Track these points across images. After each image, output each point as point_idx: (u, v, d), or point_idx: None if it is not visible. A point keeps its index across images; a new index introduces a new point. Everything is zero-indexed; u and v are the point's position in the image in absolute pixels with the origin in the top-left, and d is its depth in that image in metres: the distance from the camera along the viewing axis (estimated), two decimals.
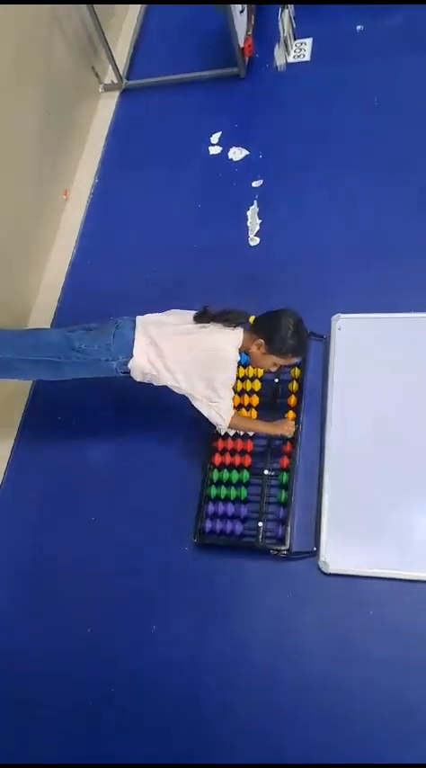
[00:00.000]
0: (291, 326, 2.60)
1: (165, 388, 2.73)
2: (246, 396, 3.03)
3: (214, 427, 2.76)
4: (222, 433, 2.83)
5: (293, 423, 2.84)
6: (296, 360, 2.78)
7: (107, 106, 4.54)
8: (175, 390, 2.71)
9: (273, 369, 2.76)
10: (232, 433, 2.93)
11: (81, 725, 2.62)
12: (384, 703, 2.39)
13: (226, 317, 2.66)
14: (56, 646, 2.78)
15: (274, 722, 2.46)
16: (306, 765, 2.37)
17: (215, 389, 2.63)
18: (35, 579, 2.95)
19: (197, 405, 2.69)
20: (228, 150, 3.99)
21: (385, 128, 3.75)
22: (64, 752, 2.58)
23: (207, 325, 2.66)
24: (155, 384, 2.77)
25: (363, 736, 2.36)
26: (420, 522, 2.63)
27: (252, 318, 2.73)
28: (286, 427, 2.82)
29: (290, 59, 4.24)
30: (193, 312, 2.75)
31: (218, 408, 2.65)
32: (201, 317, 2.67)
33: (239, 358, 2.67)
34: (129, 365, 2.70)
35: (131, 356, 2.68)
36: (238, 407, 3.00)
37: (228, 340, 2.63)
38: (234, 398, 2.71)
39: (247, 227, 3.64)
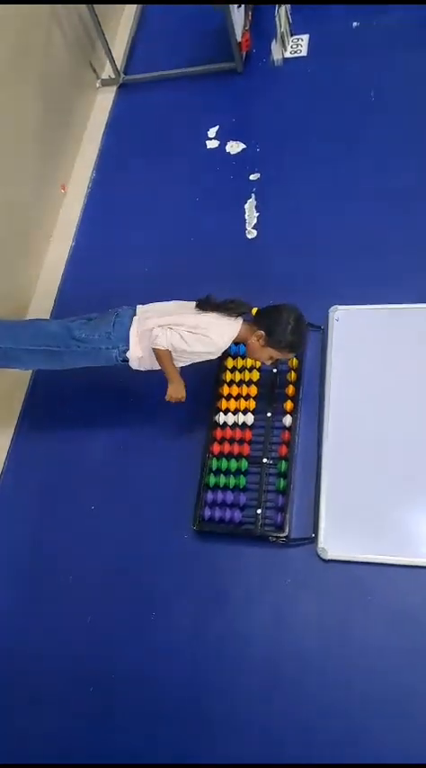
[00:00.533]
0: (292, 322, 2.63)
1: (162, 378, 2.76)
2: (245, 386, 3.05)
3: (213, 413, 2.87)
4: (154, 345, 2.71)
5: (184, 393, 2.80)
6: (292, 355, 2.83)
7: (105, 101, 4.56)
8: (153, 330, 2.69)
9: (268, 362, 2.80)
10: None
11: (81, 712, 2.63)
12: (383, 688, 2.41)
13: (228, 307, 2.68)
14: (56, 635, 2.80)
15: (274, 707, 2.48)
16: (307, 765, 2.38)
17: (174, 333, 2.62)
18: (35, 569, 2.97)
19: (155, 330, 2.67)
20: (226, 144, 4.02)
21: (381, 122, 3.78)
22: (64, 740, 2.60)
23: (208, 312, 2.68)
24: (152, 369, 2.80)
25: (363, 721, 2.38)
26: (417, 509, 2.66)
27: (254, 310, 2.76)
28: (178, 390, 2.77)
29: (287, 55, 4.27)
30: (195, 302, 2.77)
31: (159, 337, 2.63)
32: (204, 305, 2.69)
33: (226, 347, 2.71)
34: (128, 354, 2.73)
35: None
36: (236, 398, 3.03)
37: (223, 327, 2.67)
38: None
39: (245, 219, 3.66)
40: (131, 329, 2.72)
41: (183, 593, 2.76)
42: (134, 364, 2.78)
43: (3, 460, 3.29)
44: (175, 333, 2.63)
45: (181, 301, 2.84)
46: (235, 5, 3.94)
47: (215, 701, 2.55)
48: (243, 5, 4.12)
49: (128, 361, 2.76)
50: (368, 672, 2.46)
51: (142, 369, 2.81)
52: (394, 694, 2.40)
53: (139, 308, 2.81)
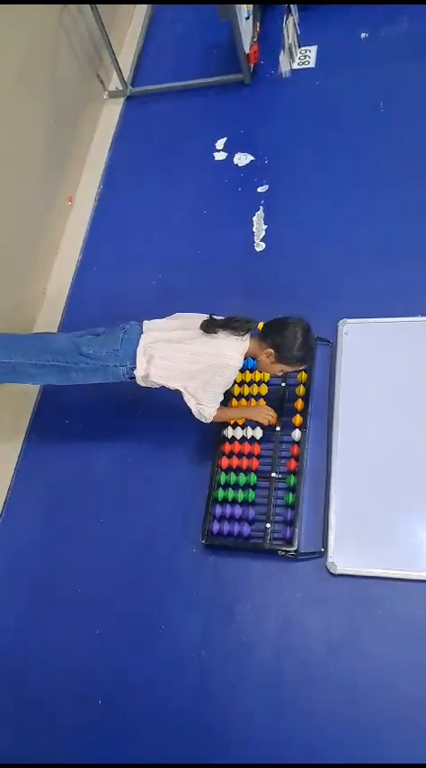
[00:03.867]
0: (299, 336, 2.63)
1: (171, 391, 2.77)
2: (253, 399, 3.05)
3: (222, 427, 2.92)
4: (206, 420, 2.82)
5: (270, 410, 2.91)
6: (303, 367, 2.84)
7: (112, 113, 4.57)
8: (168, 386, 2.77)
9: (280, 374, 2.83)
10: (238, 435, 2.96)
11: (90, 724, 2.63)
12: (393, 702, 2.41)
13: (233, 326, 2.67)
14: (64, 647, 2.80)
15: (282, 722, 2.47)
16: (307, 765, 2.38)
17: (206, 391, 2.69)
18: (44, 580, 2.97)
19: (186, 399, 2.75)
20: (233, 156, 4.02)
21: (391, 134, 3.78)
22: (73, 751, 2.60)
23: (214, 334, 2.68)
24: (156, 387, 2.81)
25: (372, 736, 2.38)
26: None
27: (260, 325, 2.76)
28: (263, 413, 2.89)
29: (295, 66, 4.28)
30: (199, 315, 2.77)
31: (203, 410, 2.72)
32: (208, 328, 2.68)
33: (241, 365, 2.71)
34: (135, 371, 2.74)
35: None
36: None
37: (234, 347, 2.66)
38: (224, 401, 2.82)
39: (253, 232, 3.67)
40: (139, 349, 2.73)
41: (192, 606, 2.75)
42: (141, 382, 2.79)
43: (12, 473, 3.29)
44: (203, 396, 2.70)
45: (184, 314, 2.85)
46: (243, 16, 3.94)
47: (223, 713, 2.54)
48: (250, 17, 4.13)
49: (135, 378, 2.77)
50: (377, 685, 2.45)
51: (148, 386, 2.81)
52: (404, 708, 2.40)
53: (146, 324, 2.82)
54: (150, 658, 2.69)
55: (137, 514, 3.00)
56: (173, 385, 2.75)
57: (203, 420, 2.77)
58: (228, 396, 3.06)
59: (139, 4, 5.05)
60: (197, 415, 2.76)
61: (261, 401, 3.02)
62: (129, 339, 2.75)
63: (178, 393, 2.77)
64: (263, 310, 2.85)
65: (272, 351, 2.64)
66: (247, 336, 2.69)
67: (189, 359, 2.68)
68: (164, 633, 2.72)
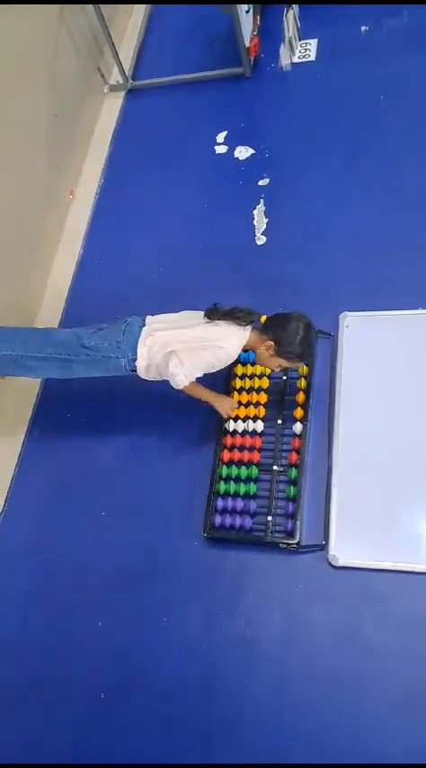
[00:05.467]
0: (301, 332, 2.64)
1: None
2: (254, 393, 3.06)
3: (223, 422, 2.92)
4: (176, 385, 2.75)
5: (233, 403, 2.92)
6: (301, 364, 2.85)
7: (112, 106, 4.57)
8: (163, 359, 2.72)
9: (278, 369, 2.83)
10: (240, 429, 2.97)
11: (93, 718, 2.64)
12: (395, 694, 2.42)
13: (236, 315, 2.68)
14: (67, 640, 2.81)
15: (284, 714, 2.48)
16: (308, 766, 2.39)
17: (190, 359, 2.64)
18: (46, 573, 2.98)
19: (170, 360, 2.66)
20: (234, 149, 4.02)
21: (391, 126, 3.77)
22: (76, 745, 2.61)
23: (217, 322, 2.69)
24: (158, 379, 2.81)
25: (375, 728, 2.38)
26: None
27: (263, 318, 2.76)
28: (227, 404, 2.89)
29: (295, 59, 4.27)
30: (202, 312, 2.78)
31: (177, 374, 2.65)
32: (212, 314, 2.70)
33: (237, 355, 2.72)
34: (137, 363, 2.74)
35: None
36: (246, 405, 3.03)
37: (234, 336, 2.67)
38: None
39: (254, 225, 3.66)
40: (140, 339, 2.73)
41: (194, 599, 2.76)
42: (142, 374, 2.79)
43: (14, 466, 3.30)
44: (186, 361, 2.64)
45: (188, 311, 2.85)
46: (243, 9, 3.94)
47: (226, 705, 2.55)
48: (251, 10, 4.12)
49: (136, 370, 2.77)
50: (379, 678, 2.46)
51: (150, 378, 2.82)
52: (407, 700, 2.40)
53: (148, 318, 2.82)
54: (152, 651, 2.70)
55: (139, 508, 3.01)
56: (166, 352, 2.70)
57: (173, 385, 2.70)
58: (230, 389, 3.07)
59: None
60: (170, 375, 2.67)
61: (263, 395, 3.02)
62: (131, 331, 2.76)
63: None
64: (264, 303, 2.87)
65: (272, 344, 2.65)
66: (248, 327, 2.69)
67: (188, 345, 2.68)
68: (167, 626, 2.73)
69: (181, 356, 2.64)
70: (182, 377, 2.66)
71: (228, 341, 2.64)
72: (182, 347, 2.67)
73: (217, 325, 2.68)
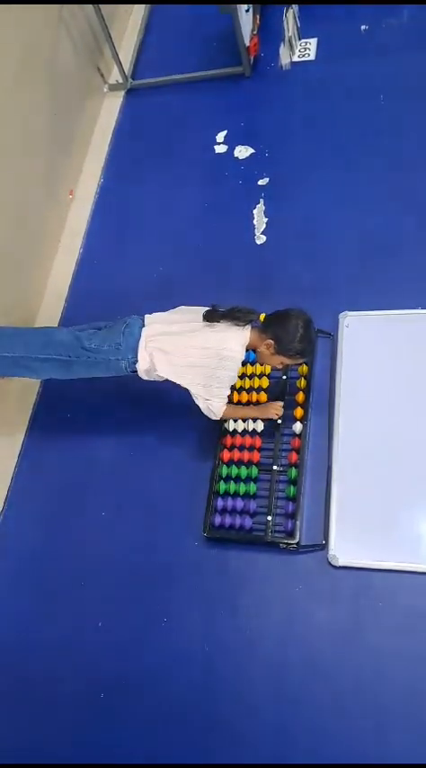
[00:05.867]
0: (301, 329, 2.63)
1: (174, 385, 2.76)
2: (254, 393, 3.06)
3: (223, 420, 2.89)
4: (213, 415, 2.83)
5: (280, 405, 2.91)
6: (302, 360, 2.84)
7: (112, 106, 4.56)
8: (175, 382, 2.76)
9: (280, 367, 2.83)
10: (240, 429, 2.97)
11: (93, 717, 2.64)
12: (395, 694, 2.42)
13: (235, 316, 2.67)
14: (67, 640, 2.81)
15: (286, 714, 2.48)
16: (308, 766, 2.39)
17: (212, 387, 2.69)
18: (46, 574, 2.98)
19: (194, 397, 2.75)
20: (234, 149, 4.02)
21: (391, 126, 3.77)
22: (76, 745, 2.61)
23: (216, 323, 2.68)
24: (159, 381, 2.81)
25: (375, 728, 2.39)
26: None
27: (262, 316, 2.76)
28: (272, 410, 2.90)
29: (295, 59, 4.26)
30: (202, 308, 2.76)
31: (212, 405, 2.72)
32: (210, 317, 2.69)
33: (244, 357, 2.71)
34: (137, 365, 2.74)
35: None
36: (246, 404, 3.03)
37: (235, 338, 2.66)
38: (230, 396, 2.80)
39: (253, 225, 3.66)
40: (140, 342, 2.73)
41: (194, 599, 2.76)
42: (143, 375, 2.79)
43: (13, 467, 3.30)
44: (211, 392, 2.70)
45: (186, 307, 2.85)
46: (243, 9, 3.94)
47: (226, 705, 2.55)
48: (251, 9, 4.12)
49: (136, 371, 2.77)
50: (379, 677, 2.46)
51: (151, 379, 2.81)
52: (407, 700, 2.41)
53: (147, 317, 2.82)
54: (152, 651, 2.70)
55: (139, 508, 3.01)
56: (180, 382, 2.74)
57: (212, 417, 2.77)
58: (230, 389, 3.05)
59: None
60: (206, 412, 2.77)
61: (263, 395, 3.02)
62: (131, 333, 2.75)
63: (176, 383, 2.76)
64: (264, 303, 2.86)
65: (273, 342, 2.64)
66: (248, 327, 2.69)
67: (190, 352, 2.68)
68: (167, 626, 2.73)
69: (204, 393, 2.71)
70: (217, 407, 2.73)
71: (231, 345, 2.63)
72: (191, 376, 2.71)
73: (217, 331, 2.67)
